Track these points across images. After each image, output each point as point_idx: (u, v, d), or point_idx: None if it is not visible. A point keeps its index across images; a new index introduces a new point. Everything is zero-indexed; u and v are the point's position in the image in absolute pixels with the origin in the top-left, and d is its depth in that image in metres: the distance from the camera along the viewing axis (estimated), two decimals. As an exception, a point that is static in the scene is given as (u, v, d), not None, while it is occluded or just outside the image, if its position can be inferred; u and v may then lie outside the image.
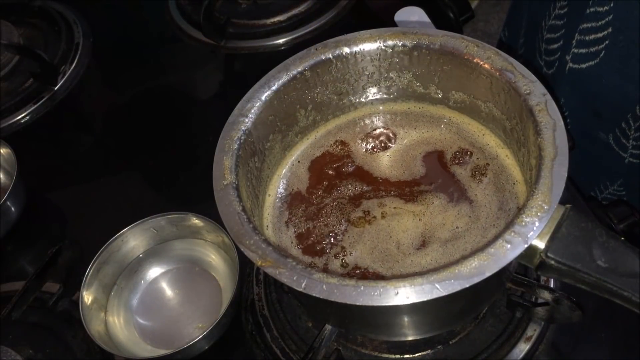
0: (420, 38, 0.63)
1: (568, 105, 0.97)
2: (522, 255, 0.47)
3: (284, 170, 0.68)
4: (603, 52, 0.84)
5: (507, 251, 0.46)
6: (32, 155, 1.01)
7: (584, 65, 0.88)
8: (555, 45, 0.94)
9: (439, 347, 0.67)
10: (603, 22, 0.82)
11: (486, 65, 0.59)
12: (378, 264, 0.58)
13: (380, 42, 0.64)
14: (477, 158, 0.64)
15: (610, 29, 0.82)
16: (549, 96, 0.55)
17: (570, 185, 0.81)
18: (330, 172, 0.66)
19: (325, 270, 0.59)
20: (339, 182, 0.65)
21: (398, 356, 0.68)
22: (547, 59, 0.98)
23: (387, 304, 0.45)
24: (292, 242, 0.61)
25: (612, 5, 0.80)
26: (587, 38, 0.86)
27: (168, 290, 0.81)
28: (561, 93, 0.96)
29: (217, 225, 0.76)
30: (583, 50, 0.87)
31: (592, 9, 0.83)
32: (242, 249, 0.51)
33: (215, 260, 0.81)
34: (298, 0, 1.13)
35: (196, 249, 0.82)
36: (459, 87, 0.65)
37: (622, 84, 0.85)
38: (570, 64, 0.90)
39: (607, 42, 0.83)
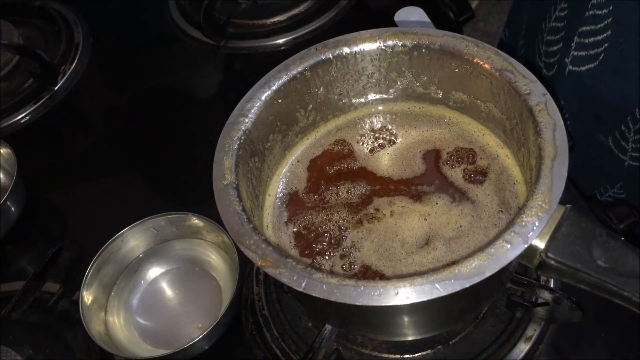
0: (420, 38, 0.63)
1: (568, 107, 0.97)
2: (522, 255, 0.47)
3: (284, 170, 0.68)
4: (602, 54, 0.84)
5: (507, 251, 0.46)
6: (32, 155, 1.01)
7: (583, 68, 0.88)
8: (555, 48, 0.94)
9: (439, 347, 0.67)
10: (602, 24, 0.82)
11: (486, 65, 0.59)
12: (382, 262, 0.58)
13: (380, 42, 0.64)
14: (478, 158, 0.64)
15: (609, 32, 0.81)
16: (549, 96, 0.55)
17: (571, 185, 0.81)
18: (330, 171, 0.66)
19: (327, 268, 0.59)
20: (339, 182, 0.65)
21: (398, 356, 0.68)
22: (546, 61, 0.98)
23: (387, 304, 0.45)
24: (292, 242, 0.61)
25: (611, 8, 0.80)
26: (586, 41, 0.86)
27: (168, 290, 0.81)
28: (561, 95, 0.96)
29: (217, 225, 0.76)
30: (582, 53, 0.87)
31: (591, 12, 0.83)
32: (242, 249, 0.51)
33: (215, 260, 0.81)
34: (298, 0, 1.13)
35: (196, 249, 0.82)
36: (459, 87, 0.65)
37: (621, 87, 0.85)
38: (570, 67, 0.90)
39: (606, 44, 0.83)
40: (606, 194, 1.02)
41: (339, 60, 0.64)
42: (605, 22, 0.81)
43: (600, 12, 0.81)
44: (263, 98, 0.62)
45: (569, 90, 0.93)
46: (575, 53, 0.88)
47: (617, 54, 0.83)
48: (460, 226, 0.59)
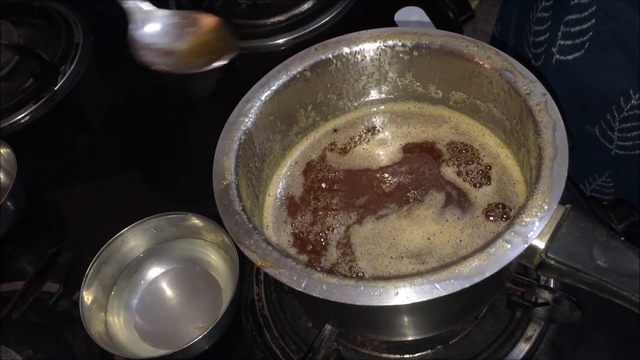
0: (420, 38, 0.63)
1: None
2: (522, 255, 0.47)
3: (284, 170, 0.68)
4: (587, 43, 0.85)
5: (507, 251, 0.46)
6: (32, 155, 1.01)
7: (569, 57, 0.89)
8: (542, 38, 0.95)
9: (439, 347, 0.67)
10: (587, 13, 0.83)
11: (486, 65, 0.59)
12: (374, 266, 0.58)
13: (380, 42, 0.64)
14: (478, 158, 0.64)
15: (594, 20, 0.82)
16: (549, 96, 0.55)
17: (571, 185, 0.81)
18: (329, 173, 0.66)
19: (329, 269, 0.59)
20: (338, 182, 0.65)
21: (398, 356, 0.68)
22: (534, 51, 0.99)
23: (387, 304, 0.45)
24: (290, 241, 0.61)
25: None
26: (572, 30, 0.86)
27: (168, 290, 0.81)
28: (548, 85, 0.97)
29: (217, 225, 0.76)
30: (569, 42, 0.88)
31: (576, 1, 0.83)
32: (242, 249, 0.51)
33: (215, 260, 0.81)
34: (298, 0, 1.13)
35: (196, 249, 0.82)
36: (459, 87, 0.65)
37: (607, 76, 0.85)
38: (557, 56, 0.90)
39: (591, 33, 0.84)
40: (594, 183, 1.02)
41: (339, 60, 0.64)
42: (590, 11, 0.82)
43: (585, 0, 0.82)
44: (263, 98, 0.62)
45: (556, 80, 0.93)
46: (561, 42, 0.89)
47: (602, 42, 0.84)
48: (460, 241, 0.59)
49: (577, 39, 0.86)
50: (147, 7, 0.61)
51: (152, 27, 0.60)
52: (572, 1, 0.84)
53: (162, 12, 0.61)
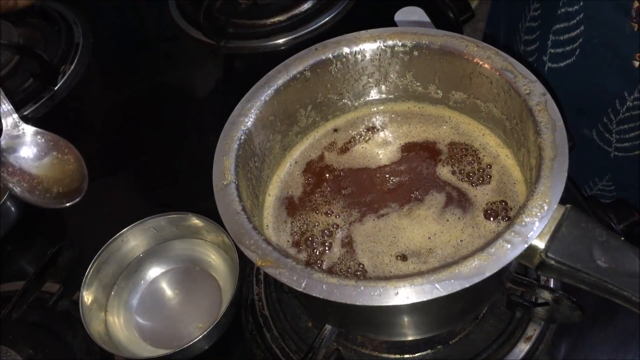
0: (420, 38, 0.63)
1: None
2: (522, 255, 0.47)
3: (284, 170, 0.68)
4: (578, 50, 0.85)
5: (507, 251, 0.46)
6: (32, 155, 1.01)
7: (562, 64, 0.90)
8: (533, 47, 0.96)
9: (439, 347, 0.67)
10: (574, 21, 0.83)
11: (486, 65, 0.59)
12: (374, 264, 0.58)
13: (380, 42, 0.64)
14: (478, 158, 0.64)
15: (582, 28, 0.83)
16: (548, 96, 0.55)
17: (571, 185, 0.81)
18: (329, 172, 0.66)
19: (330, 267, 0.59)
20: (338, 182, 0.65)
21: (398, 356, 0.68)
22: (526, 60, 1.00)
23: (387, 304, 0.45)
24: (289, 242, 0.61)
25: (581, 4, 0.82)
26: (561, 38, 0.87)
27: (168, 290, 0.81)
28: (548, 86, 0.98)
29: (217, 225, 0.76)
30: (559, 50, 0.88)
31: (563, 10, 0.84)
32: (242, 249, 0.51)
33: (215, 260, 0.81)
34: (298, 0, 1.13)
35: (196, 249, 0.82)
36: (459, 87, 0.65)
37: (600, 80, 0.86)
38: (549, 64, 0.91)
39: (580, 40, 0.84)
40: (596, 187, 1.03)
41: (339, 60, 0.64)
42: (578, 19, 0.83)
43: (571, 9, 0.83)
44: (263, 98, 0.62)
45: (549, 87, 0.94)
46: (552, 50, 0.89)
47: (592, 48, 0.84)
48: (461, 241, 0.59)
49: (567, 47, 0.87)
50: (15, 123, 0.60)
51: (17, 145, 0.60)
52: (559, 10, 0.85)
53: (30, 132, 0.61)
